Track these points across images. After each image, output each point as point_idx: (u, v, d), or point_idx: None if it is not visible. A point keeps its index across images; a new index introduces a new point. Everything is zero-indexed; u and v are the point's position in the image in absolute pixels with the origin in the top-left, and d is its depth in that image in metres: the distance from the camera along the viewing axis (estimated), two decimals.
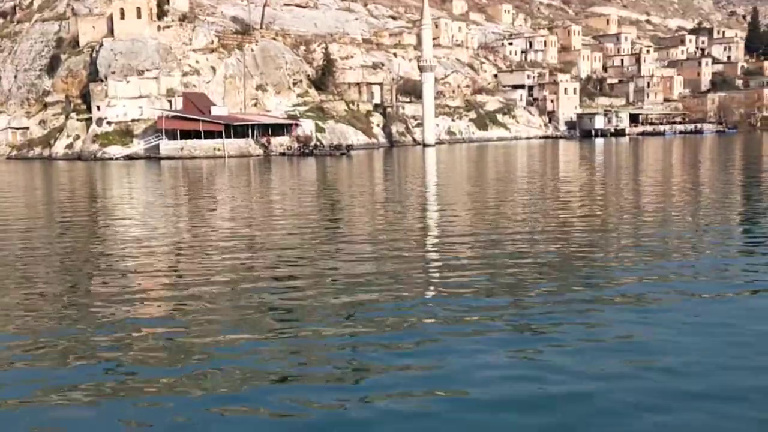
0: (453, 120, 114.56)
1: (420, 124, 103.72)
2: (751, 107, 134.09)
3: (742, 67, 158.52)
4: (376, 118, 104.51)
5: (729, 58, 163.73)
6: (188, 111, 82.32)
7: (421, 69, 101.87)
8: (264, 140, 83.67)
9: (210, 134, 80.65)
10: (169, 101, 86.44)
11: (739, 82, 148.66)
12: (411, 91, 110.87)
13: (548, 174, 42.50)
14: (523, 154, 70.23)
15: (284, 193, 34.01)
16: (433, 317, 10.63)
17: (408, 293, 12.14)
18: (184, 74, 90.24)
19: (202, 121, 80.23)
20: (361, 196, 32.13)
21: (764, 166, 42.93)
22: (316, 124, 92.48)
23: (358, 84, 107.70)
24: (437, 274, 13.78)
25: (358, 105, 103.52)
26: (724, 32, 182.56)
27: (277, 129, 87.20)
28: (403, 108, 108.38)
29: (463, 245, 16.80)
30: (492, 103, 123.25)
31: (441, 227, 20.56)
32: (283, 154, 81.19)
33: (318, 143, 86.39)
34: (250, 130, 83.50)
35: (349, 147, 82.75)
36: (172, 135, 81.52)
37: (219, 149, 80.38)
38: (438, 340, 9.48)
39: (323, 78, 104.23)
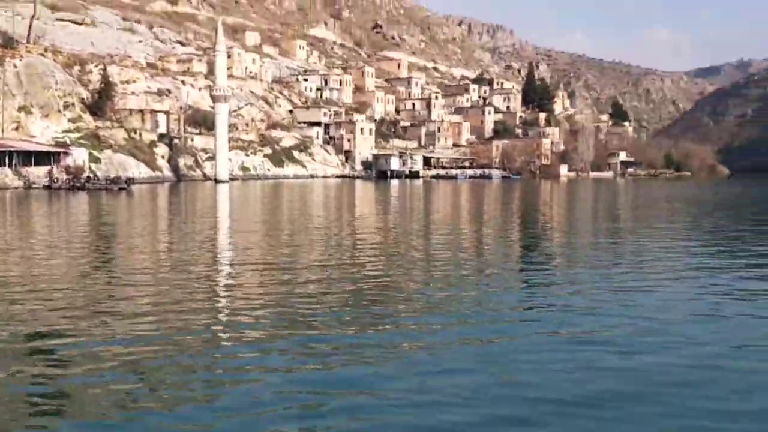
0: (247, 155, 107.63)
1: (211, 158, 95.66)
2: (531, 155, 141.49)
3: (521, 117, 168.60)
4: (162, 150, 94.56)
5: (509, 107, 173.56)
6: None
7: (213, 99, 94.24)
8: (47, 172, 71.64)
9: None
10: None
11: (519, 131, 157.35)
12: (201, 122, 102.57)
13: (345, 215, 38.84)
14: (320, 193, 65.59)
15: (39, 241, 25.51)
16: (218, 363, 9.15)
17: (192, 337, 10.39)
18: None
19: None
20: (142, 243, 24.75)
21: (539, 213, 43.75)
22: (90, 154, 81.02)
23: (141, 111, 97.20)
24: (224, 320, 11.76)
25: (140, 134, 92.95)
26: (502, 83, 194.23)
27: (42, 157, 74.88)
28: (192, 140, 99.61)
29: (254, 292, 14.59)
30: (288, 139, 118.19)
31: (231, 274, 17.52)
32: (49, 186, 69.41)
33: (92, 175, 75.31)
34: (8, 158, 70.70)
35: (129, 180, 72.70)
36: None
37: None
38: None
39: (100, 102, 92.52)
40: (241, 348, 9.83)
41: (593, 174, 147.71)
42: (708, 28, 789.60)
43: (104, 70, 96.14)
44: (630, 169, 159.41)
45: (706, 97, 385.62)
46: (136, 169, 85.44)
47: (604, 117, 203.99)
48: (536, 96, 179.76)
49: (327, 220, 35.88)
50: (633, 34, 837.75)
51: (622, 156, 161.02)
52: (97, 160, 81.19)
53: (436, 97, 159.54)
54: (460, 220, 36.82)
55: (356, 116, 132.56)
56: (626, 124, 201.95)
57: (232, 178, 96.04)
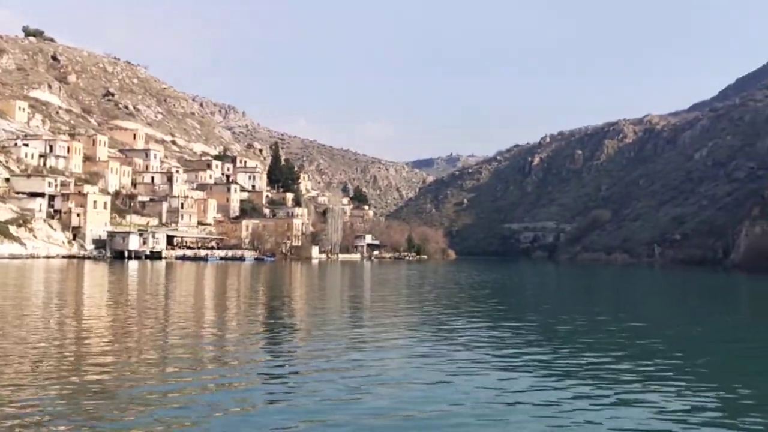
0: None
1: None
2: (282, 236, 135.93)
3: (267, 196, 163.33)
4: None
5: (254, 186, 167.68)
6: None
7: None
8: None
9: None
10: None
11: (267, 211, 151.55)
12: None
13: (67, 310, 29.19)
14: (39, 279, 52.86)
15: None
16: None
17: None
18: None
19: None
20: None
21: (282, 297, 41.32)
22: None
23: None
24: None
25: None
26: (246, 162, 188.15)
27: None
28: None
29: None
30: (4, 212, 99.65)
31: None
32: None
33: None
34: None
35: None
36: None
37: None
38: None
39: None
40: None
41: (342, 256, 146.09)
42: (421, 124, 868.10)
43: None
44: (376, 252, 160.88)
45: (427, 185, 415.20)
46: None
47: (346, 200, 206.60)
48: (282, 176, 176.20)
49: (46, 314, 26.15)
50: (355, 125, 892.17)
51: (368, 239, 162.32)
52: None
53: (178, 171, 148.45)
54: (205, 311, 30.85)
55: (87, 188, 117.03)
56: (366, 207, 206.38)
57: None
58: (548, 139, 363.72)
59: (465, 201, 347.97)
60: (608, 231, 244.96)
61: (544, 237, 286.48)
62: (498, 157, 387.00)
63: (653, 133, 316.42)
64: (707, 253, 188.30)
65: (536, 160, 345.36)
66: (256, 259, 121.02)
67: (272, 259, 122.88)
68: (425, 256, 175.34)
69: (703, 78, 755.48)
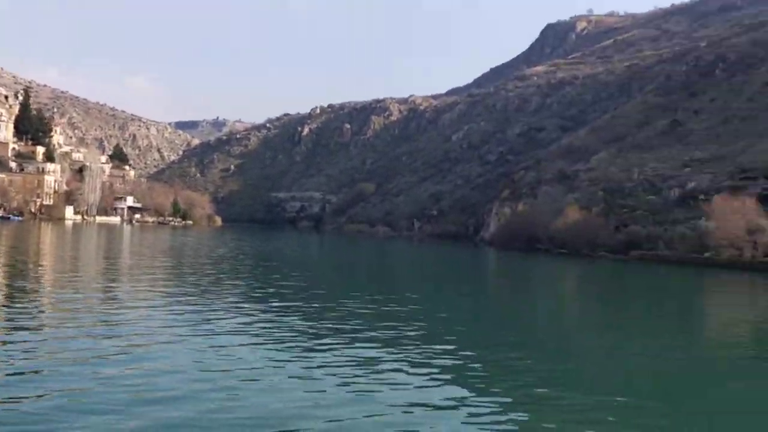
0: None
1: None
2: (30, 193, 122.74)
3: (14, 149, 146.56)
4: None
5: None
6: None
7: None
8: None
9: None
10: None
11: (14, 165, 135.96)
12: None
13: None
14: None
15: None
16: None
17: None
18: None
19: None
20: None
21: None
22: None
23: None
24: None
25: None
26: None
27: None
28: None
29: None
30: None
31: None
32: None
33: None
34: None
35: None
36: None
37: None
38: None
39: None
40: None
41: (100, 218, 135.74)
42: (186, 84, 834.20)
43: None
44: (137, 215, 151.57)
45: (192, 149, 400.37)
46: None
47: (104, 158, 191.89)
48: (32, 127, 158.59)
49: None
50: (115, 79, 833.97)
51: (130, 201, 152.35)
52: None
53: None
54: None
55: None
56: (127, 167, 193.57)
57: None
58: (318, 111, 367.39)
59: (232, 167, 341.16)
60: (372, 204, 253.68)
61: (311, 207, 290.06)
62: (268, 125, 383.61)
63: (417, 113, 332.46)
64: (461, 230, 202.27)
65: (306, 130, 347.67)
66: (2, 218, 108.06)
67: (19, 218, 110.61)
68: (191, 222, 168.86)
69: (461, 65, 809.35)
